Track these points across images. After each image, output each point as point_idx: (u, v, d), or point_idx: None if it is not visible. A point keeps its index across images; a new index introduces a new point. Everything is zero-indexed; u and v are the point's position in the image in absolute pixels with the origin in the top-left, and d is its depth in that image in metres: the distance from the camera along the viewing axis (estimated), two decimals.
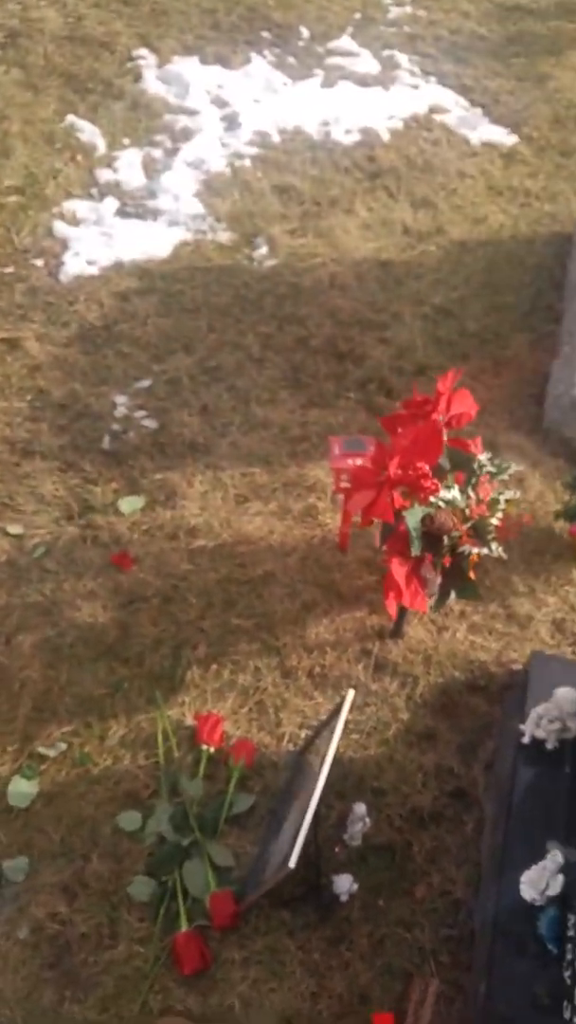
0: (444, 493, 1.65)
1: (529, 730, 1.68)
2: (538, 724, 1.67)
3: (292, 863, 1.38)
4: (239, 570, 2.13)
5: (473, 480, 1.71)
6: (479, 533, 1.65)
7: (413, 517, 1.64)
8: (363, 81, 3.93)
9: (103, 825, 1.70)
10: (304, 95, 3.79)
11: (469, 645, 1.99)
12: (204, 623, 2.02)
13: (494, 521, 1.67)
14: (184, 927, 1.55)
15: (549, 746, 1.66)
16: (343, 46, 4.11)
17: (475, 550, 1.64)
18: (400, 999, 1.47)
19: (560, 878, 1.43)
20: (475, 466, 1.73)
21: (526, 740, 1.68)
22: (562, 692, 1.63)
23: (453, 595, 1.77)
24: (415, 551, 1.63)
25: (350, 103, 3.76)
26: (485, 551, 1.65)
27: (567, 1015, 1.31)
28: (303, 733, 1.84)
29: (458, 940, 1.57)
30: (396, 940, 1.57)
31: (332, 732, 1.57)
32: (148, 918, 1.58)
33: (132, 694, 1.89)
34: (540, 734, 1.66)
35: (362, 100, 3.81)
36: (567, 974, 1.35)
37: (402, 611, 1.94)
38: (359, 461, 1.96)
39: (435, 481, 1.62)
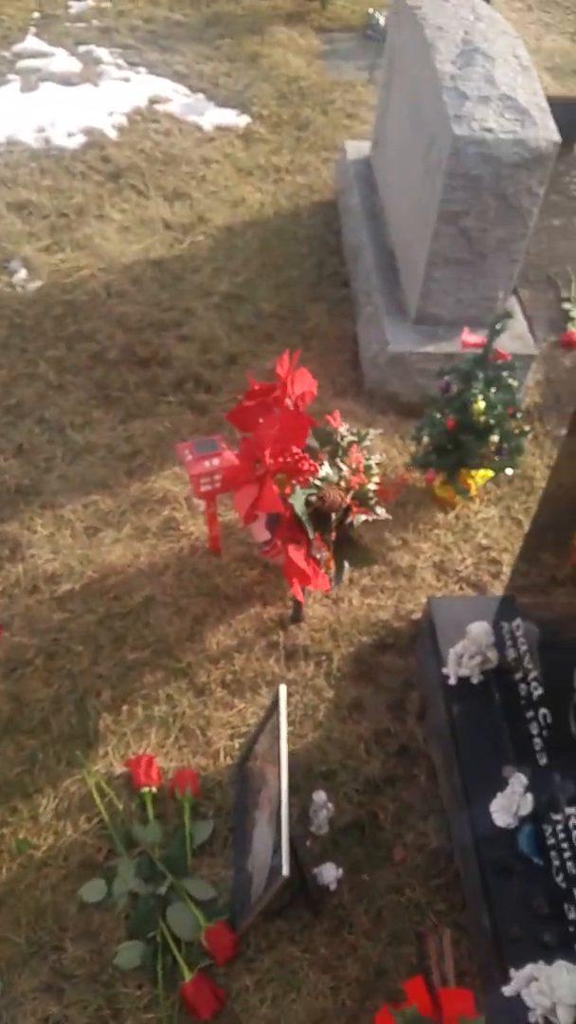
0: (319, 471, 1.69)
1: (453, 671, 1.77)
2: (460, 663, 1.77)
3: (286, 871, 1.37)
4: (117, 603, 2.05)
5: (340, 452, 1.76)
6: (363, 501, 1.71)
7: (298, 501, 1.66)
8: (67, 80, 3.84)
9: (67, 907, 1.58)
10: (5, 103, 3.64)
11: (367, 609, 2.06)
12: (99, 668, 1.92)
13: (372, 487, 1.73)
14: (187, 976, 1.49)
15: (474, 681, 1.76)
16: (31, 47, 3.99)
17: (365, 518, 1.69)
18: (420, 959, 1.52)
19: (529, 797, 1.54)
20: (338, 439, 1.78)
21: (452, 681, 1.77)
22: (476, 627, 1.74)
23: (347, 566, 1.82)
24: (311, 533, 1.65)
25: (61, 105, 3.67)
26: (373, 517, 1.71)
27: (572, 915, 1.41)
28: (237, 744, 1.82)
29: (447, 886, 1.64)
30: (392, 907, 1.61)
31: (276, 731, 1.57)
32: (147, 982, 1.50)
33: (50, 762, 1.76)
34: (464, 672, 1.76)
35: (73, 100, 3.72)
36: (559, 879, 1.46)
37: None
38: (216, 461, 1.95)
39: (312, 462, 1.64)
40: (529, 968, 1.38)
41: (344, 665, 1.95)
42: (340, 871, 1.62)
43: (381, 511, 1.73)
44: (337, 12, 4.69)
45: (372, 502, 1.71)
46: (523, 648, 1.64)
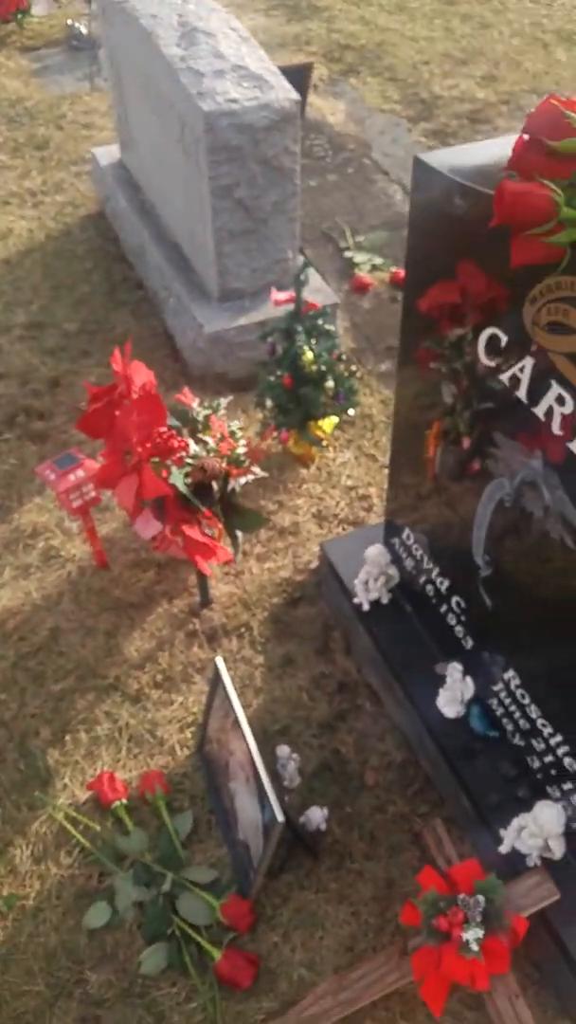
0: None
1: (363, 598, 1.89)
2: (367, 589, 1.89)
3: (280, 816, 1.43)
4: (24, 643, 2.01)
5: (201, 425, 1.83)
6: (238, 464, 1.78)
7: (179, 480, 1.70)
8: None
9: (76, 940, 1.56)
10: None
11: (267, 573, 2.14)
12: (28, 708, 1.89)
13: (241, 449, 1.80)
14: (217, 955, 1.52)
15: (384, 601, 1.89)
16: None
17: (245, 479, 1.77)
18: (422, 856, 1.63)
19: (468, 680, 1.68)
20: (195, 415, 1.84)
21: (366, 608, 1.89)
22: (372, 551, 1.86)
23: (240, 535, 1.89)
24: (202, 507, 1.71)
25: None
26: (253, 476, 1.79)
27: (535, 765, 1.57)
28: (189, 735, 1.85)
29: (422, 790, 1.76)
30: (381, 826, 1.71)
31: (226, 702, 1.62)
32: (179, 977, 1.52)
33: (11, 813, 1.72)
34: (373, 595, 1.88)
35: None
36: (516, 740, 1.62)
37: (203, 579, 2.01)
38: (81, 472, 1.95)
39: (182, 438, 1.70)
40: (515, 821, 1.52)
41: (264, 630, 2.03)
42: (325, 811, 1.70)
43: (257, 470, 1.81)
44: (36, 29, 4.69)
45: (247, 463, 1.79)
46: (418, 553, 1.78)
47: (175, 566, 2.15)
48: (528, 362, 1.19)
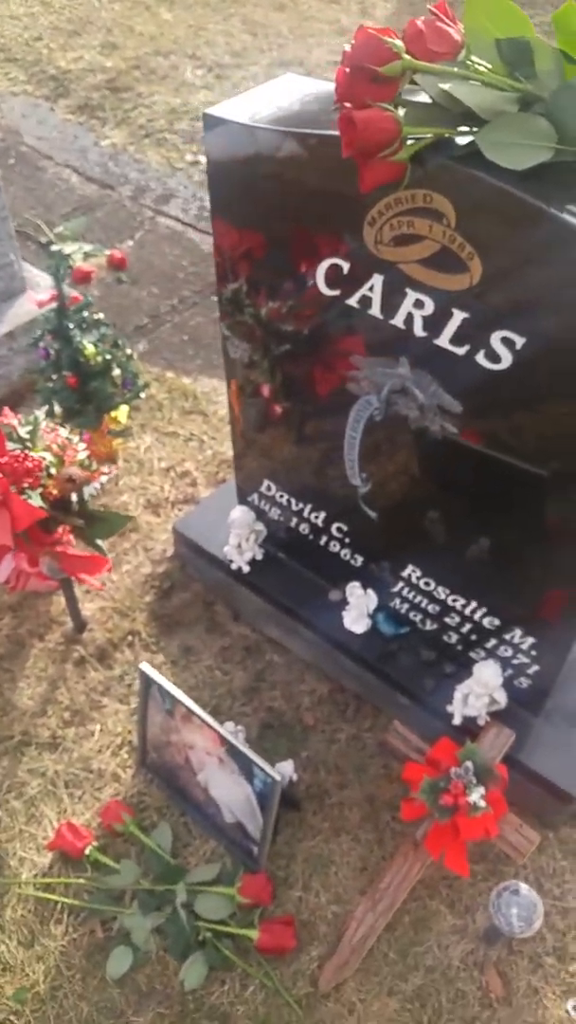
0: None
1: (240, 561, 1.95)
2: (241, 551, 1.95)
3: (276, 775, 1.49)
4: None
5: (32, 440, 1.75)
6: (89, 468, 1.75)
7: (36, 498, 1.64)
8: None
9: (108, 996, 1.51)
10: None
11: (127, 576, 2.11)
12: None
13: (83, 453, 1.76)
14: (254, 935, 1.55)
15: (259, 558, 1.97)
16: None
17: (103, 479, 1.74)
18: (386, 764, 1.77)
19: (371, 592, 1.83)
20: (23, 431, 1.76)
21: (246, 569, 1.96)
22: (236, 514, 1.91)
23: (102, 544, 1.86)
24: (69, 522, 1.66)
25: None
26: (107, 475, 1.76)
27: (452, 640, 1.77)
28: (124, 754, 1.81)
29: (359, 709, 1.89)
30: (339, 755, 1.81)
31: (165, 697, 1.63)
32: (225, 974, 1.53)
33: None
34: (248, 555, 1.96)
35: None
36: (427, 627, 1.80)
37: (73, 604, 1.95)
38: None
39: (34, 459, 1.63)
40: (457, 693, 1.71)
41: (150, 629, 2.02)
42: (290, 761, 1.77)
43: (105, 468, 1.78)
44: None
45: (95, 467, 1.76)
46: (283, 499, 1.87)
47: (30, 603, 2.05)
48: (377, 280, 1.31)
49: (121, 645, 1.99)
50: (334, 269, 1.36)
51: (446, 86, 1.07)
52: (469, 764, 1.54)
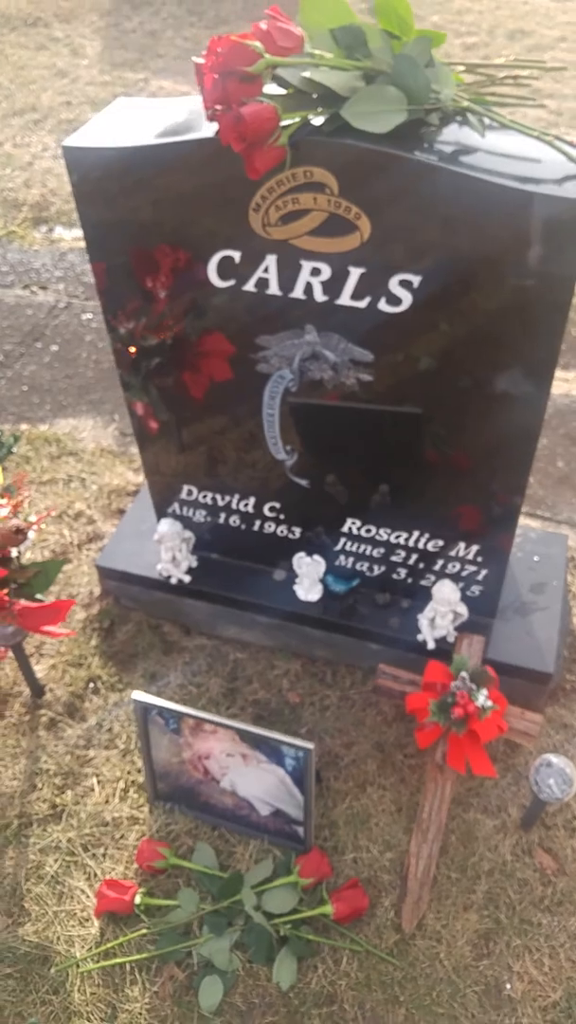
0: None
1: (178, 574, 1.98)
2: (176, 563, 1.98)
3: (308, 744, 1.56)
4: None
5: None
6: (22, 514, 1.72)
7: None
8: None
9: None
10: None
11: (70, 621, 2.08)
12: None
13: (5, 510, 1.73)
14: (329, 910, 1.61)
15: (195, 564, 2.02)
16: None
17: (35, 528, 1.71)
18: (378, 706, 1.89)
19: (317, 558, 1.92)
20: None
21: (187, 579, 2.00)
22: (164, 529, 1.92)
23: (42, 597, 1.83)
24: (15, 578, 1.63)
25: None
26: (42, 523, 1.73)
27: (402, 575, 1.90)
28: (133, 793, 1.80)
29: (334, 671, 1.99)
30: (334, 718, 1.90)
31: (169, 721, 1.65)
32: (318, 961, 1.58)
33: (36, 1010, 1.54)
34: (185, 564, 1.99)
35: None
36: (375, 572, 1.93)
37: (27, 668, 1.90)
38: None
39: None
40: (422, 619, 1.85)
41: (109, 670, 2.00)
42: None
43: (33, 518, 1.76)
44: None
45: (27, 515, 1.73)
46: (206, 498, 1.93)
47: None
48: (271, 259, 1.41)
49: (86, 694, 1.97)
50: (226, 261, 1.44)
51: (306, 74, 1.19)
52: (464, 674, 1.68)
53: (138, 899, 1.64)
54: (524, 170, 1.24)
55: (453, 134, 1.27)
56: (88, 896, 1.68)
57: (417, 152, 1.23)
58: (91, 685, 1.98)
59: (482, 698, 1.64)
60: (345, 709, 1.93)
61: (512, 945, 1.59)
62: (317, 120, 1.24)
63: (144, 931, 1.62)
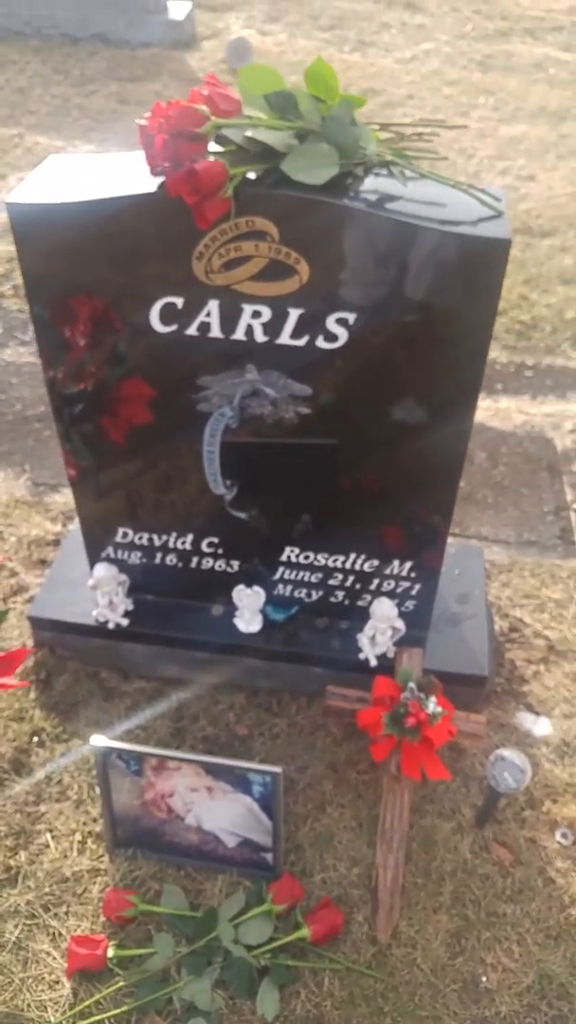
0: None
1: (115, 618, 1.99)
2: (114, 608, 2.00)
3: (276, 768, 1.61)
4: None
5: None
6: None
7: None
8: None
9: None
10: None
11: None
12: None
13: None
14: (305, 932, 1.64)
15: (131, 607, 2.03)
16: None
17: None
18: (327, 726, 1.96)
19: (257, 589, 1.97)
20: None
21: (125, 623, 2.01)
22: (100, 573, 1.93)
23: None
24: None
25: None
26: None
27: (340, 597, 1.99)
28: (91, 845, 1.79)
29: (279, 700, 2.05)
30: (285, 743, 1.95)
31: (129, 764, 1.67)
32: (300, 987, 1.62)
33: None
34: (122, 609, 2.01)
35: None
36: (313, 598, 2.01)
37: None
38: None
39: None
40: (362, 638, 1.95)
41: (52, 721, 1.98)
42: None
43: None
44: None
45: None
46: (142, 539, 1.95)
47: None
48: (213, 304, 1.48)
49: (31, 748, 1.94)
50: (168, 307, 1.50)
51: (249, 133, 1.29)
52: (412, 684, 1.78)
53: (111, 952, 1.63)
54: (443, 214, 1.38)
55: (380, 184, 1.40)
56: (55, 957, 1.66)
57: (350, 200, 1.35)
58: (35, 738, 1.96)
59: (432, 705, 1.74)
60: (295, 735, 1.99)
61: (483, 938, 1.68)
62: (251, 174, 1.34)
63: (120, 984, 1.61)
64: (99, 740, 1.66)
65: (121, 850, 1.78)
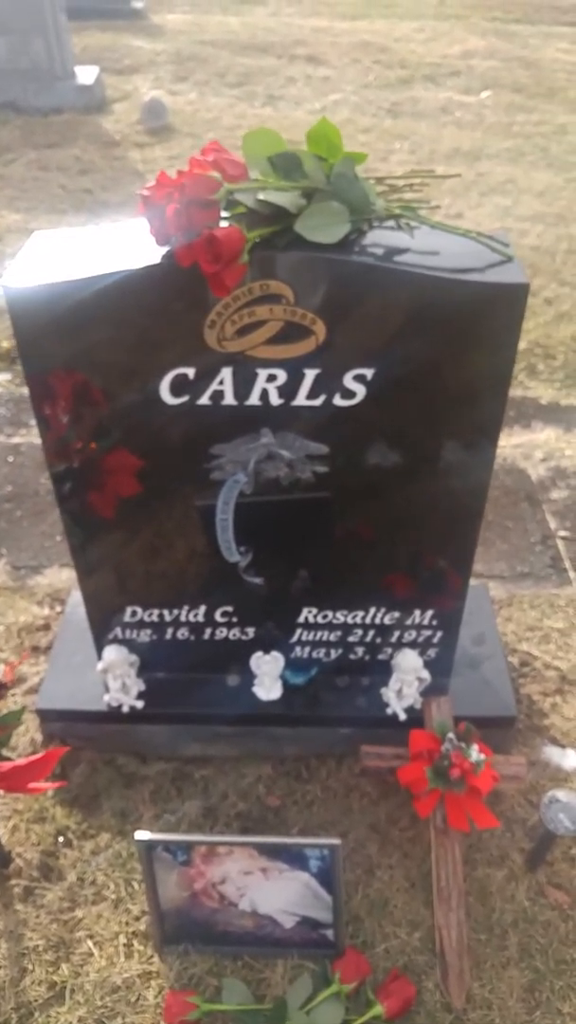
0: None
1: (129, 701, 1.92)
2: (126, 691, 1.93)
3: (334, 840, 1.56)
4: None
5: None
6: None
7: None
8: None
9: None
10: None
11: None
12: None
13: None
14: (379, 1011, 1.58)
15: (144, 688, 1.97)
16: None
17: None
18: (363, 787, 1.92)
19: (275, 654, 1.93)
20: None
21: (140, 705, 1.94)
22: (110, 656, 1.86)
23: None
24: None
25: None
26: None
27: (360, 653, 1.97)
28: (136, 945, 1.70)
29: (307, 765, 2.00)
30: (323, 811, 1.90)
31: (178, 855, 1.60)
32: None
33: None
34: (135, 691, 1.94)
35: None
36: (332, 657, 1.97)
37: None
38: None
39: None
40: (388, 693, 1.92)
41: (75, 818, 1.89)
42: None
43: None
44: None
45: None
46: (152, 616, 1.90)
47: None
48: (226, 372, 1.47)
49: (57, 850, 1.84)
50: (179, 378, 1.48)
51: (261, 196, 1.29)
52: (451, 735, 1.77)
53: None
54: (457, 263, 1.40)
55: (389, 238, 1.41)
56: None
57: (364, 256, 1.36)
58: (60, 838, 1.86)
59: (474, 753, 1.72)
60: (329, 800, 1.94)
61: (556, 988, 1.65)
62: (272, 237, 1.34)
63: None
64: (143, 835, 1.58)
65: (172, 947, 1.70)
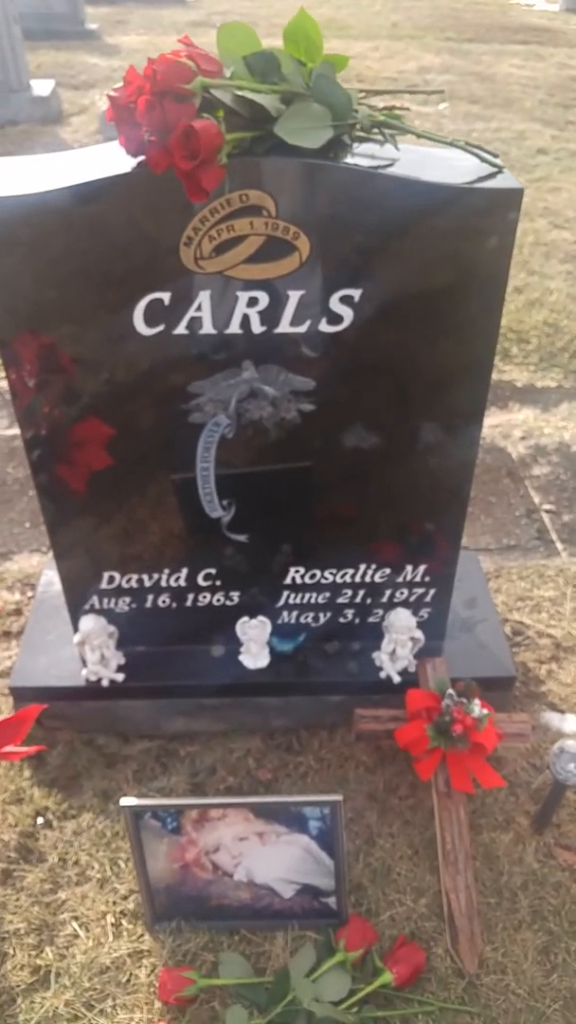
0: None
1: (109, 673, 1.83)
2: (105, 663, 1.83)
3: (335, 796, 1.48)
4: None
5: None
6: None
7: None
8: None
9: None
10: None
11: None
12: None
13: None
14: (388, 977, 1.50)
15: (123, 661, 1.88)
16: None
17: None
18: (354, 755, 1.84)
19: (262, 619, 1.86)
20: None
21: (120, 677, 1.85)
22: (87, 627, 1.76)
23: None
24: None
25: None
26: None
27: (349, 616, 1.90)
28: (125, 923, 1.59)
29: (299, 735, 1.92)
30: (319, 782, 1.83)
31: (167, 821, 1.51)
32: None
33: None
34: (115, 663, 1.85)
35: None
36: (320, 622, 1.91)
37: None
38: None
39: None
40: (382, 655, 1.86)
41: (55, 798, 1.79)
42: None
43: None
44: None
45: None
46: (130, 582, 1.81)
47: None
48: (203, 296, 1.41)
49: (36, 831, 1.74)
50: (154, 304, 1.42)
51: (240, 93, 1.24)
52: (450, 691, 1.70)
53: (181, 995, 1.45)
54: (447, 171, 1.36)
55: (375, 147, 1.38)
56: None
57: (351, 163, 1.32)
58: (40, 819, 1.76)
59: (476, 708, 1.66)
60: (323, 771, 1.86)
61: (572, 949, 1.58)
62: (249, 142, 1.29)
63: None
64: (129, 801, 1.49)
65: (163, 924, 1.60)
